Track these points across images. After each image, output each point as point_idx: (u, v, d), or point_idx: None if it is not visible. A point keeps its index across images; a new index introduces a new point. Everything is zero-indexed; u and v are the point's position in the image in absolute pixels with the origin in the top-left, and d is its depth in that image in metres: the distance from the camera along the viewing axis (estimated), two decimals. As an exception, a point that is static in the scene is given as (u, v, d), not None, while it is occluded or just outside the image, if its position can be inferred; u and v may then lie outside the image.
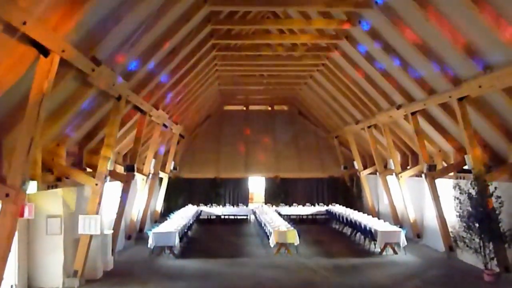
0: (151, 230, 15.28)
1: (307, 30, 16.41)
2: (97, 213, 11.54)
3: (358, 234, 18.15)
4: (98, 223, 11.41)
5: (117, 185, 15.38)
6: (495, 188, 11.80)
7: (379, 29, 13.13)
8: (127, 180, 14.97)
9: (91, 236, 11.58)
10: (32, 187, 8.71)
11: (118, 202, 14.77)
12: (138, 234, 18.16)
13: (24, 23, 6.72)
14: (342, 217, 20.15)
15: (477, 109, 12.10)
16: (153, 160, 18.90)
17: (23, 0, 6.59)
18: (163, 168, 22.06)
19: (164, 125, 18.67)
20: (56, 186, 10.99)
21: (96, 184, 11.65)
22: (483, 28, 9.37)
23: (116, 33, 9.65)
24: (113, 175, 14.22)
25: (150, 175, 18.77)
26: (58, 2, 7.45)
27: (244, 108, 28.91)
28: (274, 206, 23.89)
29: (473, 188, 11.97)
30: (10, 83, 7.66)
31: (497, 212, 11.60)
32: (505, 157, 12.73)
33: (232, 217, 23.89)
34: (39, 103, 7.82)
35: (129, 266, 13.74)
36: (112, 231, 13.89)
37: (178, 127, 21.27)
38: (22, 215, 8.67)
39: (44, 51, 7.69)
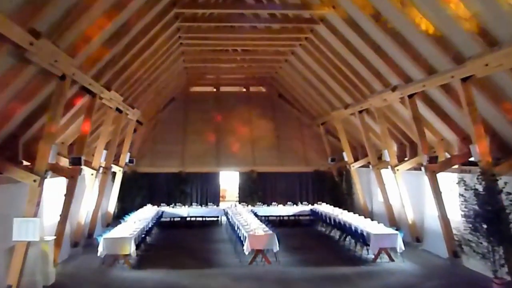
0: (102, 235, 15.18)
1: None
2: (35, 215, 11.38)
3: (348, 238, 18.30)
4: (37, 227, 11.23)
5: (61, 182, 15.23)
6: (505, 183, 11.88)
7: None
8: (72, 176, 14.84)
9: (28, 244, 11.40)
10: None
11: (62, 202, 14.61)
12: (86, 241, 18.06)
13: None
14: (329, 218, 20.27)
15: (484, 91, 12.27)
16: (105, 152, 18.87)
17: None
18: (116, 161, 22.02)
19: (118, 110, 18.60)
20: (-16, 184, 10.80)
21: (35, 181, 11.48)
22: (490, 0, 9.46)
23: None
24: (56, 169, 14.09)
25: (101, 169, 18.69)
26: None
27: (214, 90, 28.97)
28: (249, 205, 23.99)
29: (480, 184, 12.09)
30: None
31: (507, 211, 11.69)
32: (516, 148, 12.95)
33: (200, 219, 23.96)
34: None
35: (75, 279, 13.60)
36: (54, 237, 13.73)
37: (135, 112, 21.20)
38: None
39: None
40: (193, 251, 17.57)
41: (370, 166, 20.66)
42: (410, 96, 15.01)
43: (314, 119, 26.80)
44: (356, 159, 23.57)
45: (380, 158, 20.41)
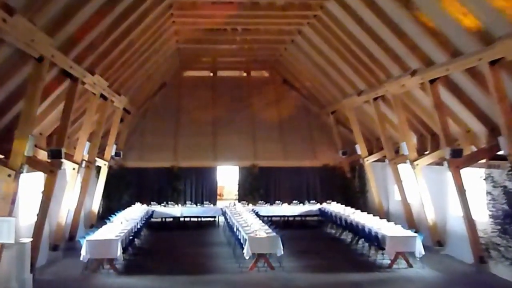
0: (85, 237, 15.08)
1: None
2: (10, 215, 11.37)
3: (361, 241, 18.35)
4: (12, 228, 11.20)
5: (39, 177, 15.23)
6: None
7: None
8: (52, 170, 14.85)
9: (1, 246, 11.40)
10: None
11: (40, 200, 14.57)
12: (67, 244, 18.07)
13: None
14: (340, 219, 20.28)
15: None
16: (88, 144, 18.80)
17: None
18: (101, 155, 21.91)
19: (103, 97, 18.57)
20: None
21: (9, 176, 11.45)
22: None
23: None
24: (33, 163, 14.05)
25: (84, 163, 18.71)
26: None
27: (211, 74, 28.94)
28: (250, 204, 23.98)
29: (510, 180, 12.10)
30: None
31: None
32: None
33: (195, 219, 23.95)
34: None
35: (54, 287, 13.55)
36: (31, 240, 13.66)
37: (121, 99, 21.18)
38: None
39: None
40: (187, 256, 17.53)
41: (386, 160, 20.63)
42: (432, 82, 14.97)
43: (323, 107, 26.67)
44: (370, 153, 23.52)
45: (397, 151, 20.32)
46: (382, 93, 18.88)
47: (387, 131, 20.59)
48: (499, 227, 12.27)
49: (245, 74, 29.32)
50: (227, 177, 30.47)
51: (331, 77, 22.32)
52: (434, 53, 14.36)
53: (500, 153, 13.65)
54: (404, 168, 19.64)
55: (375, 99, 19.76)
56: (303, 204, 24.39)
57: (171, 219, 23.66)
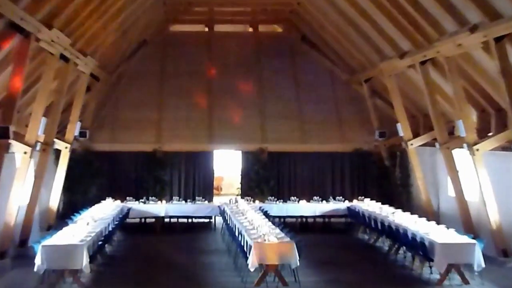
0: (40, 242, 14.89)
1: None
2: None
3: (402, 249, 18.30)
4: None
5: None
6: None
7: None
8: (-4, 154, 14.88)
9: None
10: None
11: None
12: (17, 250, 18.18)
13: None
14: (375, 221, 20.27)
15: None
16: (44, 120, 18.85)
17: None
18: (61, 134, 21.99)
19: (63, 57, 18.58)
20: None
21: None
22: None
23: None
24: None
25: (39, 145, 18.73)
26: None
27: (206, 30, 29.05)
28: (257, 201, 24.03)
29: None
30: None
31: None
32: None
33: (185, 220, 24.05)
34: None
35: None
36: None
37: (88, 62, 21.29)
38: None
39: None
40: (174, 267, 17.50)
41: (437, 144, 20.53)
42: (498, 40, 14.82)
43: (354, 73, 26.71)
44: (416, 134, 23.41)
45: (451, 132, 20.45)
46: (432, 55, 18.80)
47: (439, 105, 20.45)
48: None
49: (251, 29, 29.35)
50: (227, 165, 30.86)
51: (365, 33, 22.23)
52: (501, 2, 14.18)
53: None
54: (460, 154, 19.62)
55: (423, 63, 19.60)
56: (327, 201, 24.26)
57: (153, 220, 23.62)
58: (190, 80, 27.31)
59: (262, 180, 25.94)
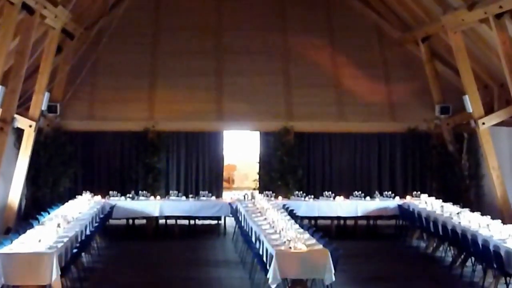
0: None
1: None
2: None
3: (471, 260, 16.88)
4: None
5: None
6: None
7: None
8: None
9: None
10: None
11: None
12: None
13: None
14: (435, 224, 18.91)
15: None
16: (1, 89, 18.81)
17: None
18: (24, 109, 21.25)
19: (26, 8, 17.86)
20: None
21: None
22: None
23: None
24: None
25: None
26: None
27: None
28: (280, 197, 22.42)
29: None
30: None
31: None
32: None
33: (185, 222, 22.89)
34: None
35: None
36: None
37: (59, 13, 20.34)
38: None
39: None
40: (172, 282, 16.45)
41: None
42: None
43: (408, 30, 25.22)
44: (489, 110, 21.98)
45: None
46: (510, 7, 17.49)
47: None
48: None
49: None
50: (241, 149, 30.11)
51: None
52: None
53: None
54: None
55: (499, 16, 18.12)
56: (372, 197, 22.59)
57: (144, 221, 22.35)
58: (192, 38, 25.51)
59: (286, 169, 24.12)
